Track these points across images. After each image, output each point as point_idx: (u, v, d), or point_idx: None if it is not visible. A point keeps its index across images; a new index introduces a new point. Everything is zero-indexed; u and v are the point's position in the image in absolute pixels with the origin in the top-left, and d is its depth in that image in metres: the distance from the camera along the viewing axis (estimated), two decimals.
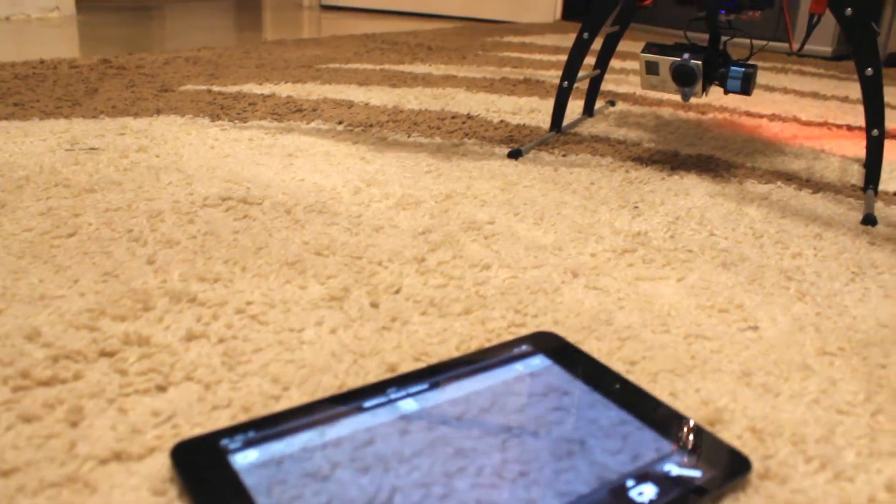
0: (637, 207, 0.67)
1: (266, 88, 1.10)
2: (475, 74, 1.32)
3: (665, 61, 0.75)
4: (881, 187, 0.80)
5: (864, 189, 0.80)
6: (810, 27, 0.80)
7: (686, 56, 0.75)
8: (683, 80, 0.75)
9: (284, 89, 1.10)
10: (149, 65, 1.26)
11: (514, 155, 0.81)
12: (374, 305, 0.47)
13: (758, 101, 1.23)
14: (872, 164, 0.79)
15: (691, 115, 1.09)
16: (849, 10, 0.76)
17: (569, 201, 0.68)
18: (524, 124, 0.95)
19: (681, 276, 0.54)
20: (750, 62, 0.76)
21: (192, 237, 0.56)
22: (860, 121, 1.12)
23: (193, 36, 1.78)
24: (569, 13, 2.52)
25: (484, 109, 1.01)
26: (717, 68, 0.76)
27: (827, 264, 0.58)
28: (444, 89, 1.15)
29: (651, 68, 0.76)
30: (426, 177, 0.73)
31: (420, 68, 1.35)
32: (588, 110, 1.02)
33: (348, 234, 0.58)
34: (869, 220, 0.70)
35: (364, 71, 1.30)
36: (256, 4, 2.67)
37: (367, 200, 0.65)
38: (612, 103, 1.12)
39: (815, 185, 0.79)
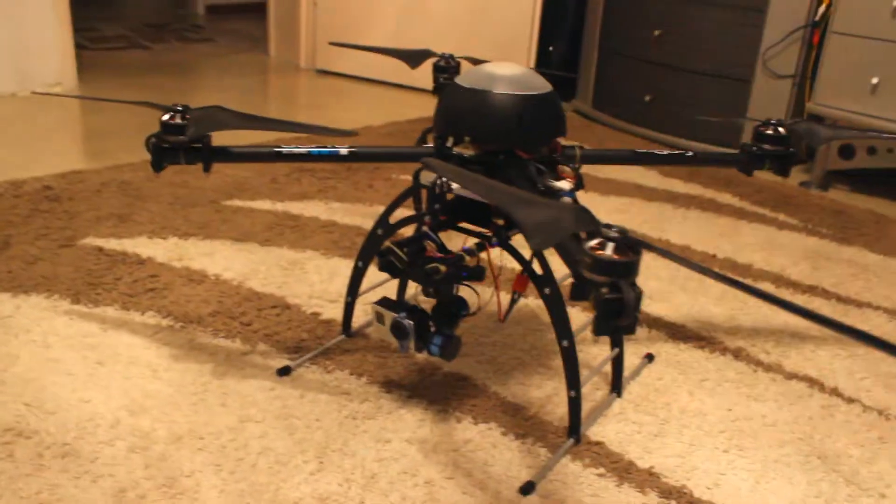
0: (322, 462, 0.85)
1: (152, 246, 1.31)
2: (359, 221, 1.49)
3: (388, 315, 0.92)
4: (600, 427, 0.92)
5: (568, 436, 0.94)
6: (512, 302, 0.96)
7: (403, 315, 0.91)
8: (398, 334, 0.91)
9: (166, 249, 1.31)
10: (81, 193, 1.50)
11: (283, 372, 1.00)
12: None
13: None
14: (573, 420, 0.93)
15: (505, 304, 1.21)
16: (547, 290, 0.90)
17: (275, 448, 0.87)
18: (331, 319, 1.13)
19: None
20: (454, 334, 0.91)
21: None
22: (681, 303, 1.22)
23: None
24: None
25: (308, 295, 1.20)
26: (431, 333, 0.92)
27: None
28: (305, 252, 1.33)
29: (378, 318, 0.93)
30: (188, 401, 0.93)
31: (314, 209, 1.53)
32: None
33: (71, 485, 0.79)
34: (526, 489, 0.84)
35: (257, 214, 1.49)
36: (261, 67, 2.87)
37: (114, 438, 0.85)
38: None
39: (531, 425, 0.94)
